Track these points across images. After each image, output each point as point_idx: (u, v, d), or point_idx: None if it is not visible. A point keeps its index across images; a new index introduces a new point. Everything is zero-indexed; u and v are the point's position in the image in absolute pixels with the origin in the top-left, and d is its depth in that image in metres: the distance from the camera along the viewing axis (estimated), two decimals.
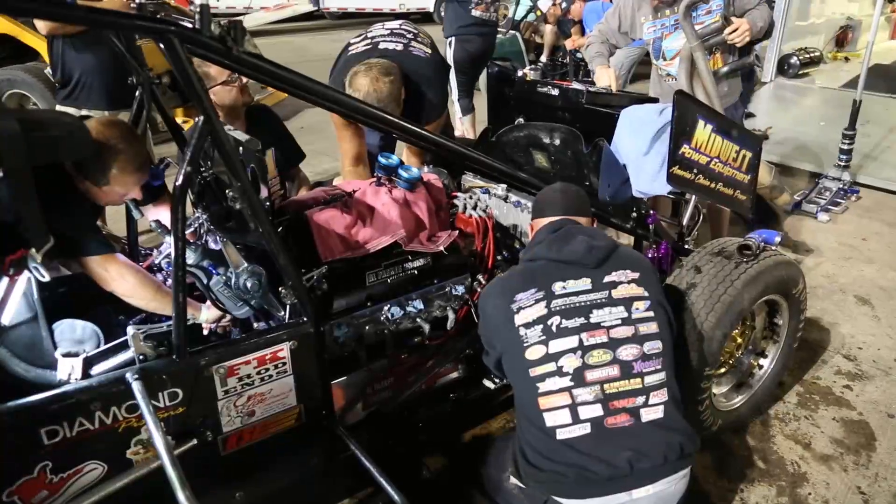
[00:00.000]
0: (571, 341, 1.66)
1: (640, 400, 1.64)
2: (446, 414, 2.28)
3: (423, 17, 14.41)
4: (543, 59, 7.06)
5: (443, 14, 5.50)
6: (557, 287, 1.73)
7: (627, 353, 1.67)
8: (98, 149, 1.84)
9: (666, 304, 1.81)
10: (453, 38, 4.96)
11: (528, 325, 1.70)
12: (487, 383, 2.34)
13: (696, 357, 2.05)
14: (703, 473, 2.30)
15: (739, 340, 2.49)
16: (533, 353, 1.67)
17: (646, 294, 1.76)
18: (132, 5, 2.00)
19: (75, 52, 3.11)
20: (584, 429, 1.60)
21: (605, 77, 3.15)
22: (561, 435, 1.60)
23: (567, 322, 1.68)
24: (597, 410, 1.61)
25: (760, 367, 2.55)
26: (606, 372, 1.64)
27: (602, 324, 1.69)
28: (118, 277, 1.88)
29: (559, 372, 1.64)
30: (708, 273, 2.15)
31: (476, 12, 4.87)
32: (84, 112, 3.12)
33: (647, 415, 1.62)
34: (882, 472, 2.31)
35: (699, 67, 2.92)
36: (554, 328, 1.68)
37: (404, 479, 1.79)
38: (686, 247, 2.62)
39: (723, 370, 2.48)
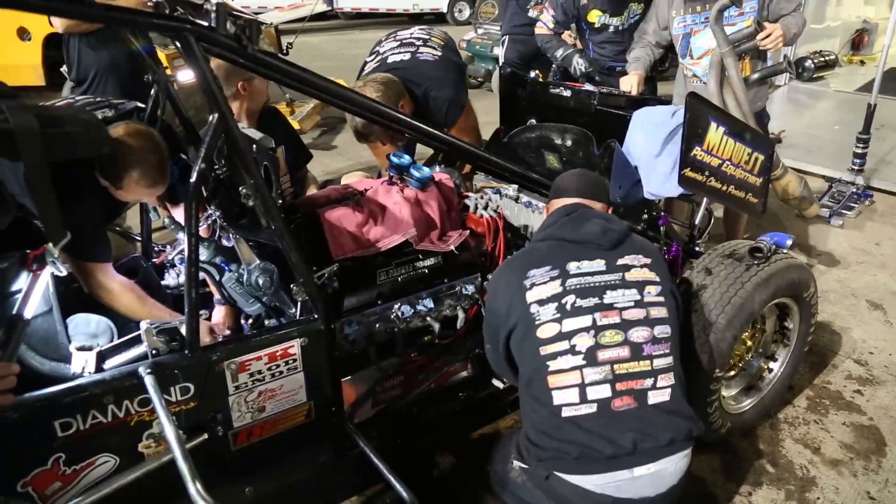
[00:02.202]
0: (585, 320, 1.67)
1: (648, 382, 1.64)
2: (455, 413, 2.29)
3: (436, 18, 14.47)
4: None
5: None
6: (572, 266, 1.74)
7: (638, 335, 1.68)
8: (121, 154, 1.87)
9: (676, 291, 1.84)
10: (507, 38, 4.97)
11: (541, 303, 1.70)
12: (497, 383, 2.34)
13: (706, 359, 2.05)
14: (712, 476, 2.30)
15: (750, 343, 2.49)
16: (545, 331, 1.68)
17: (657, 279, 1.77)
18: (149, 4, 2.02)
19: (91, 50, 3.14)
20: (591, 408, 1.61)
21: (628, 82, 3.11)
22: (566, 413, 1.61)
23: (582, 301, 1.69)
24: (604, 391, 1.62)
25: (770, 370, 2.54)
26: (617, 352, 1.65)
27: (615, 305, 1.70)
28: (101, 288, 1.91)
29: (572, 350, 1.65)
30: (719, 275, 2.15)
31: (533, 13, 4.86)
32: None
33: (654, 397, 1.63)
34: (892, 478, 2.29)
35: (730, 74, 2.82)
36: (568, 306, 1.69)
37: (413, 477, 1.80)
38: (697, 249, 2.62)
39: (733, 373, 2.48)
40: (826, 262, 3.84)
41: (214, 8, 1.34)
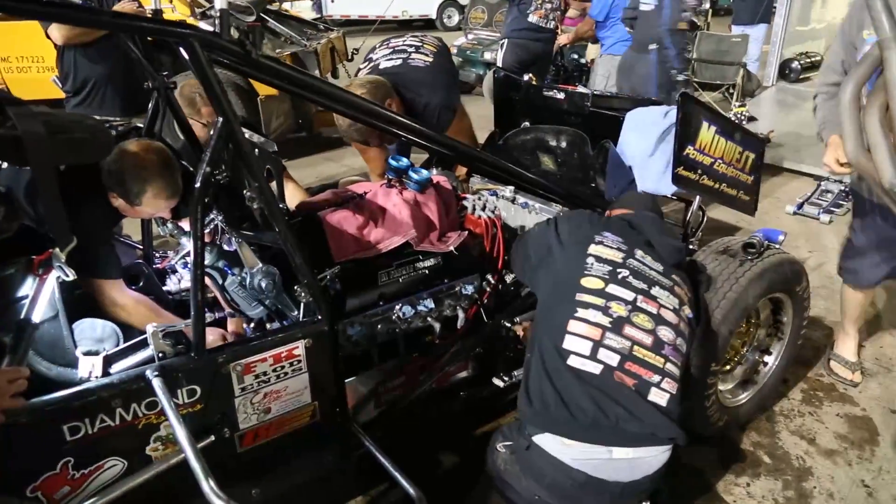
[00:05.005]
0: (628, 295, 1.74)
1: (655, 378, 1.67)
2: (457, 412, 2.31)
3: (425, 24, 14.52)
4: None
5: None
6: (638, 253, 1.85)
7: (665, 334, 1.73)
8: (138, 170, 1.90)
9: (695, 327, 1.92)
10: (506, 41, 5.03)
11: (598, 259, 1.79)
12: (497, 382, 2.36)
13: (703, 353, 2.09)
14: (710, 468, 2.34)
15: (745, 338, 2.53)
16: (589, 283, 1.74)
17: (691, 309, 1.88)
18: (148, 12, 2.05)
19: (88, 62, 3.16)
20: (596, 368, 1.63)
21: (832, 155, 2.35)
22: (572, 361, 1.64)
23: (633, 280, 1.77)
24: (614, 360, 1.65)
25: (765, 364, 2.58)
26: (642, 336, 1.69)
27: (658, 299, 1.77)
28: (114, 305, 1.94)
29: (604, 310, 1.70)
30: (713, 271, 2.19)
31: (533, 18, 4.91)
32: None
33: (654, 396, 1.65)
34: (886, 466, 2.34)
35: (891, 76, 2.00)
36: (619, 277, 1.76)
37: (417, 475, 1.81)
38: (690, 247, 2.66)
39: (729, 367, 2.52)
40: (817, 258, 3.90)
41: (218, 14, 1.37)
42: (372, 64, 2.97)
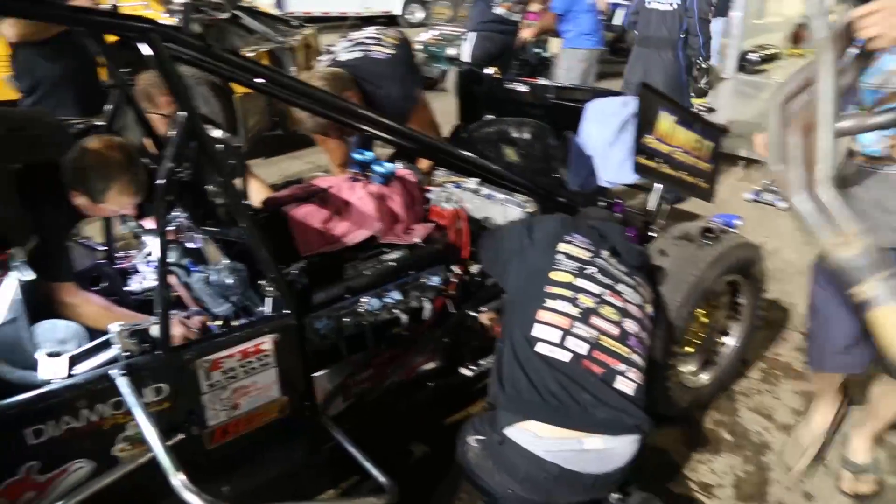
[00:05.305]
0: (595, 289, 1.81)
1: (622, 367, 1.72)
2: (427, 402, 2.34)
3: (388, 21, 14.45)
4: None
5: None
6: (604, 254, 1.94)
7: (630, 326, 1.80)
8: (102, 167, 1.87)
9: (656, 324, 2.02)
10: (473, 34, 5.05)
11: (568, 256, 1.87)
12: (465, 371, 2.40)
13: (664, 335, 2.15)
14: (674, 447, 2.40)
15: (705, 320, 2.60)
16: (558, 276, 1.82)
17: (653, 307, 1.98)
18: (105, 6, 2.01)
19: (43, 61, 3.07)
20: (564, 356, 1.68)
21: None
22: (540, 349, 1.69)
23: (600, 276, 1.85)
24: (582, 348, 1.70)
25: (725, 345, 2.66)
26: (609, 327, 1.76)
27: (623, 294, 1.85)
28: (64, 305, 1.90)
29: (573, 301, 1.76)
30: (673, 255, 2.25)
31: (499, 10, 4.94)
32: None
33: (619, 384, 1.69)
34: (837, 438, 2.43)
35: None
36: (587, 272, 1.84)
37: (389, 466, 1.83)
38: (651, 234, 2.72)
39: (690, 349, 2.59)
40: (773, 243, 4.01)
41: (182, 8, 1.37)
42: (331, 56, 2.96)
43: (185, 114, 1.48)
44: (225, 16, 5.44)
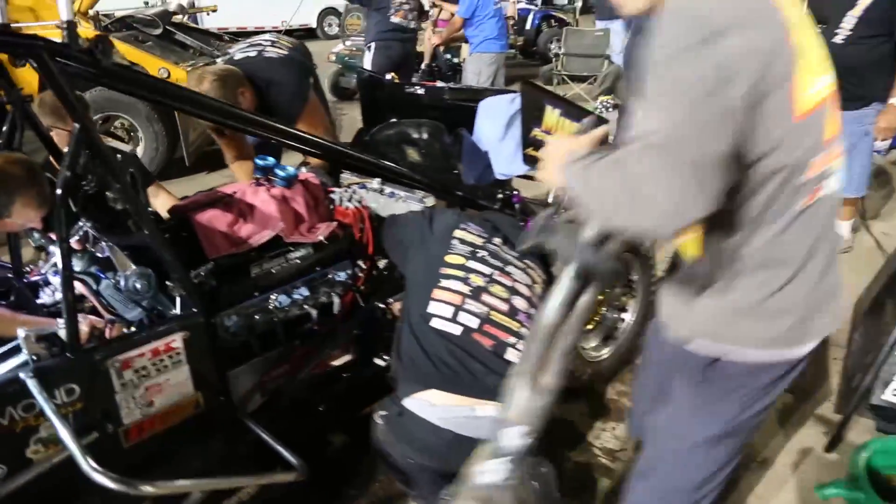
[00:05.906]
0: (486, 269, 1.97)
1: (512, 340, 1.86)
2: (343, 394, 2.44)
3: (307, 34, 14.45)
4: (423, 65, 7.35)
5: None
6: (496, 241, 2.10)
7: (519, 303, 1.95)
8: (3, 183, 1.91)
9: None
10: (373, 44, 5.17)
11: (462, 241, 2.03)
12: (379, 361, 2.51)
13: None
14: (580, 418, 2.59)
15: (602, 298, 2.80)
16: (452, 259, 1.98)
17: (544, 287, 2.10)
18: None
19: None
20: (456, 329, 1.84)
21: None
22: (434, 323, 1.84)
23: (491, 259, 2.01)
24: (473, 322, 1.85)
25: (623, 321, 2.88)
26: (498, 304, 1.91)
27: (512, 275, 2.01)
28: None
29: (464, 280, 1.92)
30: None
31: (395, 19, 5.09)
32: None
33: (510, 355, 1.83)
34: None
35: None
36: (478, 255, 2.01)
37: (308, 456, 1.91)
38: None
39: (591, 326, 2.79)
40: None
41: (66, 26, 1.45)
42: (230, 55, 3.05)
43: (78, 125, 1.55)
44: (157, 32, 5.45)
